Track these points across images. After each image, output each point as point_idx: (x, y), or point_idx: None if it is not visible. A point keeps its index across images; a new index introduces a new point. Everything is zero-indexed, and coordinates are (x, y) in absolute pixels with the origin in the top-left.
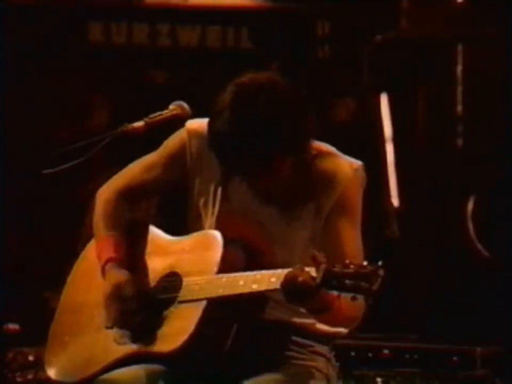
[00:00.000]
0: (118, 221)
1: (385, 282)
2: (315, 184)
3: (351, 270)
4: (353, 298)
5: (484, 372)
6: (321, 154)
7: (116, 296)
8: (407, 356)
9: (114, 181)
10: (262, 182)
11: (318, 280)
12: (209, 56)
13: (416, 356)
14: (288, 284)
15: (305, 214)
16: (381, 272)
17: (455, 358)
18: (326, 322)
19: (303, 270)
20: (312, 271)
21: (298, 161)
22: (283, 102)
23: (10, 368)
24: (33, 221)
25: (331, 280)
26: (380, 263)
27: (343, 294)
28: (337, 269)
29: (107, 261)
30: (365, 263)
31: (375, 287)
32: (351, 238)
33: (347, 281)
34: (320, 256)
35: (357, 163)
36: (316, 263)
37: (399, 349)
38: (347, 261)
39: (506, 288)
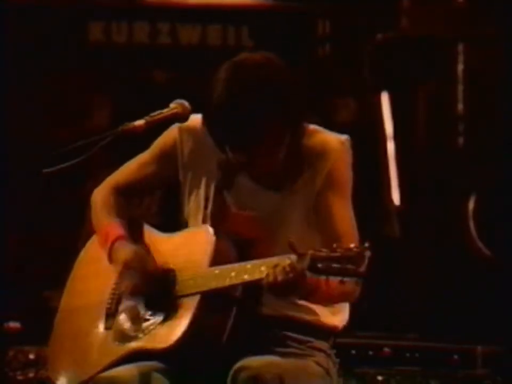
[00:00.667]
0: (119, 212)
1: (386, 280)
2: (305, 161)
3: (337, 254)
4: (341, 282)
5: (485, 371)
6: (308, 132)
7: (138, 264)
8: (407, 355)
9: (109, 180)
10: (256, 162)
11: (305, 265)
12: (209, 55)
13: (416, 355)
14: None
15: (298, 193)
16: (367, 253)
17: (455, 357)
18: (317, 303)
19: (285, 260)
20: (293, 258)
21: (292, 141)
22: (278, 78)
23: (11, 367)
24: (33, 221)
25: (318, 264)
26: (366, 244)
27: (331, 278)
28: (323, 253)
29: (117, 238)
30: (352, 245)
31: (362, 269)
32: (343, 212)
33: (334, 265)
34: (297, 244)
35: (344, 137)
36: (293, 251)
37: (399, 347)
38: (334, 245)
39: (506, 287)
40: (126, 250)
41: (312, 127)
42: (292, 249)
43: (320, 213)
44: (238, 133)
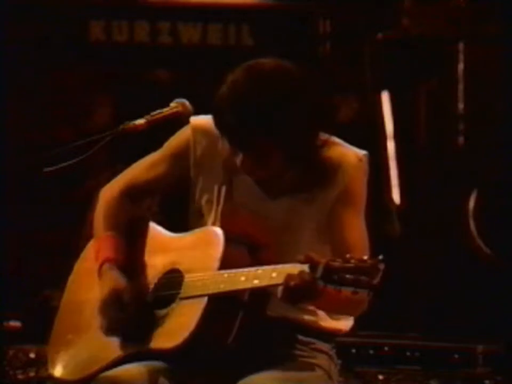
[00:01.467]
0: (119, 221)
1: (386, 279)
2: (320, 174)
3: (351, 265)
4: (354, 293)
5: (485, 370)
6: (326, 144)
7: (113, 303)
8: (408, 354)
9: (117, 180)
10: (267, 169)
11: (318, 275)
12: (210, 54)
13: (417, 354)
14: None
15: (310, 204)
16: (381, 266)
17: (456, 356)
18: (327, 311)
19: (300, 270)
20: (306, 267)
21: (307, 150)
22: (289, 83)
23: (12, 366)
24: (34, 220)
25: (332, 274)
26: (380, 257)
27: (343, 288)
28: (337, 263)
29: (104, 261)
30: (365, 257)
31: (375, 281)
32: (356, 227)
33: (347, 276)
34: (313, 255)
35: (362, 152)
36: (306, 263)
37: (400, 346)
38: (348, 255)
39: (507, 286)
40: (112, 279)
41: (332, 138)
42: (304, 262)
43: (332, 226)
44: (246, 136)
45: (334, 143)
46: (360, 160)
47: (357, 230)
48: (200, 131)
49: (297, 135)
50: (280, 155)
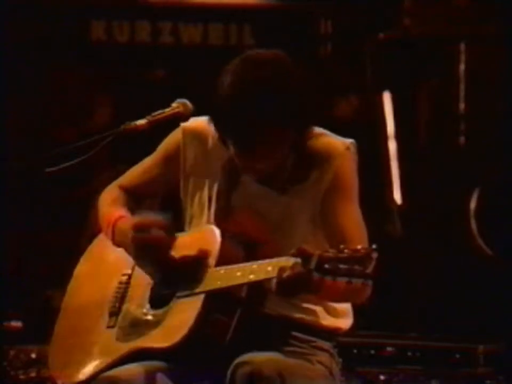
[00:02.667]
0: (124, 204)
1: (386, 278)
2: (309, 165)
3: (344, 255)
4: (348, 283)
5: (486, 369)
6: (313, 135)
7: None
8: (409, 354)
9: (115, 182)
10: (261, 162)
11: (312, 266)
12: (211, 54)
13: (418, 354)
14: (281, 280)
15: (303, 197)
16: (375, 254)
17: (457, 356)
18: (326, 301)
19: (293, 263)
20: (299, 260)
21: (299, 142)
22: (285, 75)
23: (13, 366)
24: (35, 220)
25: (325, 265)
26: (373, 246)
27: (338, 279)
28: (330, 254)
29: (119, 218)
30: (358, 246)
31: (369, 270)
32: (350, 214)
33: (341, 266)
34: (306, 247)
35: (349, 141)
36: (299, 255)
37: (401, 346)
38: (341, 246)
39: (508, 286)
40: (130, 222)
41: (318, 130)
42: (297, 255)
43: (326, 215)
44: (244, 129)
45: (320, 134)
46: (348, 148)
47: (351, 217)
48: (190, 133)
49: (293, 126)
50: (280, 150)
